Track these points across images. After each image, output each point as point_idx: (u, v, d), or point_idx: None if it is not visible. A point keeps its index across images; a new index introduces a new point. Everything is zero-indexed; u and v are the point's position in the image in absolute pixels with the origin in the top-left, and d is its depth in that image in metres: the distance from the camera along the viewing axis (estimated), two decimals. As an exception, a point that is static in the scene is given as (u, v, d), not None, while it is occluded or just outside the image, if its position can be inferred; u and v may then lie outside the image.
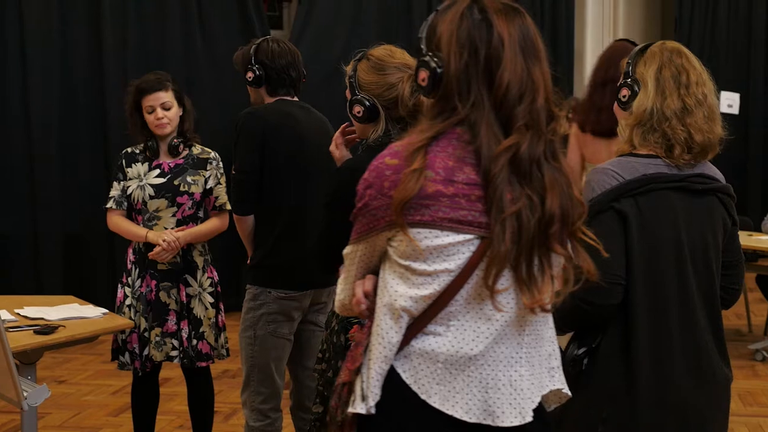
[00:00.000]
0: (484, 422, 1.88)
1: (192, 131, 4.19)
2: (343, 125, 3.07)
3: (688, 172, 2.47)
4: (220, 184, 4.16)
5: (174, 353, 4.07)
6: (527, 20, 1.91)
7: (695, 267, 2.45)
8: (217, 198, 4.15)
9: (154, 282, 4.08)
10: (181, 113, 4.15)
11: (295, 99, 3.84)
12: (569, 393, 2.04)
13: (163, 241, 3.97)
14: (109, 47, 7.34)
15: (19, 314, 3.81)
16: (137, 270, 4.11)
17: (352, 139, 3.07)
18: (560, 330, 2.27)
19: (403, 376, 1.90)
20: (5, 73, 7.05)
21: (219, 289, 4.19)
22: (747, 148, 9.33)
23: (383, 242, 1.91)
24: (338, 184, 2.81)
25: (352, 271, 2.01)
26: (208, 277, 4.14)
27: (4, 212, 7.04)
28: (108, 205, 4.17)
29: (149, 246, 4.04)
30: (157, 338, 4.06)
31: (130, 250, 4.16)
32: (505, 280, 1.86)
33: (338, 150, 3.07)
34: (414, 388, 1.89)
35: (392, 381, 1.90)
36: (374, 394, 1.90)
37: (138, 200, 4.11)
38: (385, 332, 1.89)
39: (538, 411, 1.95)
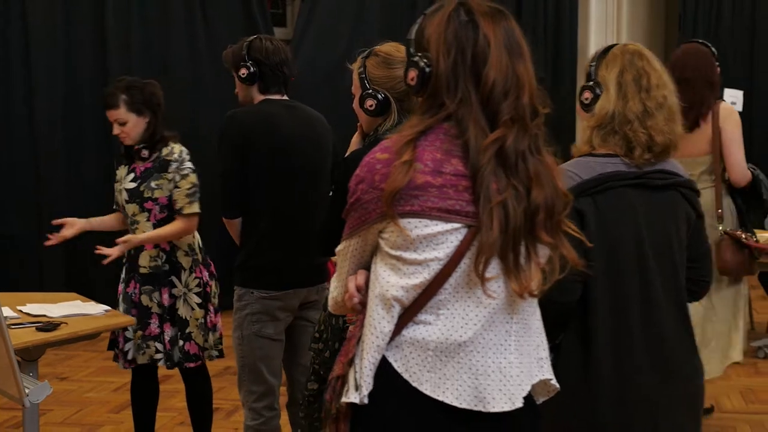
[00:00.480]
0: (475, 408, 1.93)
1: (162, 134, 4.12)
2: None
3: (647, 169, 2.51)
4: (178, 187, 4.06)
5: (158, 356, 4.07)
6: (512, 22, 1.99)
7: (658, 262, 2.48)
8: (176, 202, 4.07)
9: (138, 285, 4.09)
10: (147, 119, 4.09)
11: (285, 98, 3.83)
12: (557, 386, 2.08)
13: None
14: (113, 48, 7.34)
15: (21, 311, 3.82)
16: (125, 272, 4.15)
17: None
18: None
19: (395, 365, 1.94)
20: (10, 73, 7.04)
21: (209, 289, 4.15)
22: (751, 145, 9.29)
23: (375, 235, 1.98)
24: (344, 172, 2.83)
25: (344, 267, 2.07)
26: (195, 278, 4.11)
27: (7, 210, 7.04)
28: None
29: (138, 248, 4.07)
30: (139, 341, 4.07)
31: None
32: (493, 268, 1.92)
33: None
34: (405, 376, 1.93)
35: (384, 371, 1.95)
36: (367, 383, 1.95)
37: (120, 204, 4.15)
38: (377, 322, 1.95)
39: (528, 400, 2.00)
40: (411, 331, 1.94)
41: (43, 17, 7.09)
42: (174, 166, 4.06)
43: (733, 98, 8.15)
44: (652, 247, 2.48)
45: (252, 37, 3.85)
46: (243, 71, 3.75)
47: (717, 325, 4.57)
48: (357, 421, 2.00)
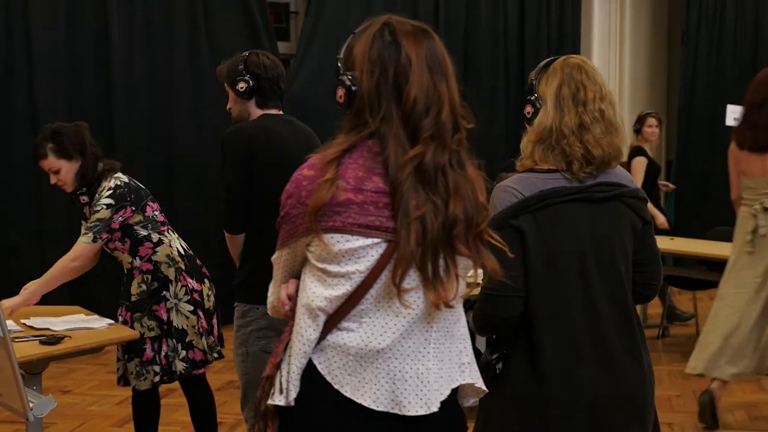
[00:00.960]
0: (392, 411, 2.03)
1: (96, 173, 4.08)
2: None
3: (589, 183, 2.55)
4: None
5: (157, 378, 4.07)
6: (435, 41, 2.09)
7: (602, 274, 2.53)
8: (111, 240, 4.08)
9: (129, 313, 4.10)
10: (79, 162, 4.06)
11: (281, 113, 3.84)
12: (484, 388, 2.19)
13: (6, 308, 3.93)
14: (116, 64, 7.36)
15: (25, 324, 3.82)
16: (120, 298, 4.18)
17: None
18: (479, 333, 2.59)
19: (319, 367, 2.05)
20: (12, 79, 7.06)
21: (197, 295, 4.13)
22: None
23: (303, 247, 2.09)
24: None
25: (278, 275, 2.19)
26: (182, 286, 4.11)
27: (10, 222, 7.05)
28: None
29: (129, 277, 4.13)
30: (138, 368, 4.07)
31: None
32: (413, 280, 2.02)
33: None
34: (328, 378, 2.04)
35: (309, 372, 2.06)
36: (295, 387, 2.05)
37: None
38: (304, 330, 2.05)
39: (448, 404, 2.10)
40: (334, 337, 2.05)
41: (46, 26, 7.12)
42: (93, 203, 4.05)
43: (735, 114, 8.18)
44: (595, 259, 2.53)
45: (247, 52, 3.85)
46: (241, 85, 3.75)
47: None
48: (284, 419, 2.11)
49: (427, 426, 2.07)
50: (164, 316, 4.06)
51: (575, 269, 2.52)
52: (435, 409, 2.06)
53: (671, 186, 8.10)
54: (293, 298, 2.14)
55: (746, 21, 9.66)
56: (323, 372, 2.05)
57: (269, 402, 2.11)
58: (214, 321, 4.22)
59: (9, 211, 7.04)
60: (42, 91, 7.11)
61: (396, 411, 2.03)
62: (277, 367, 2.14)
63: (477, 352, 2.57)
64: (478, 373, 2.19)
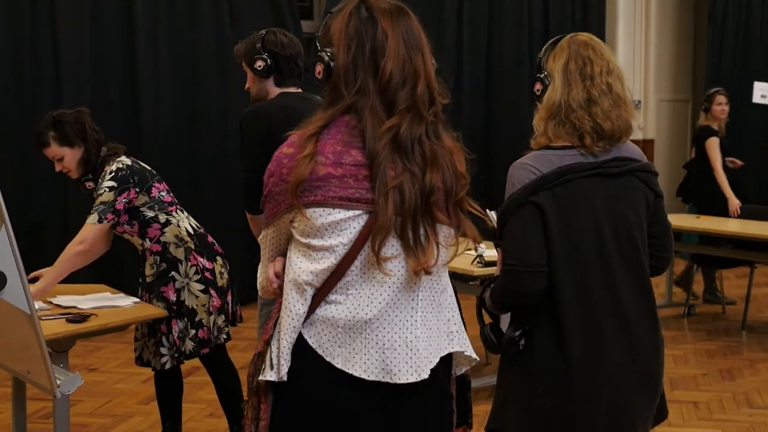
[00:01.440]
0: (383, 380, 2.09)
1: (100, 159, 4.09)
2: None
3: (603, 158, 2.60)
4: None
5: (164, 360, 4.07)
6: (411, 18, 2.15)
7: (619, 246, 2.59)
8: (118, 224, 4.09)
9: (147, 294, 4.12)
10: (82, 148, 4.07)
11: (299, 90, 3.82)
12: (475, 356, 2.27)
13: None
14: (140, 43, 7.36)
15: (51, 303, 3.85)
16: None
17: None
18: (497, 311, 2.68)
19: (309, 341, 2.11)
20: (39, 71, 7.08)
21: (208, 274, 4.13)
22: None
23: (287, 224, 2.15)
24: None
25: (265, 254, 2.26)
26: (192, 266, 4.11)
27: (36, 201, 7.09)
28: None
29: (142, 259, 4.15)
30: (154, 348, 4.10)
31: None
32: (394, 248, 2.09)
33: None
34: (319, 351, 2.11)
35: (300, 346, 2.12)
36: (286, 361, 2.12)
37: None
38: (292, 305, 2.11)
39: (435, 371, 2.15)
40: (323, 310, 2.11)
41: (71, 18, 7.12)
42: (97, 187, 4.06)
43: (763, 91, 8.11)
44: (612, 233, 2.58)
45: (264, 31, 3.84)
46: (259, 63, 3.74)
47: None
48: (277, 393, 2.17)
49: (416, 393, 2.14)
50: (172, 297, 4.06)
51: (593, 243, 2.56)
52: (425, 376, 2.12)
53: (738, 162, 7.72)
54: (281, 276, 2.20)
55: (774, -2, 9.56)
56: (314, 345, 2.11)
57: (261, 378, 2.16)
58: (228, 298, 4.21)
59: (34, 189, 7.07)
60: (68, 71, 7.12)
61: (387, 380, 2.09)
62: (268, 343, 2.19)
63: (499, 331, 2.60)
64: (467, 342, 2.26)
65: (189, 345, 4.08)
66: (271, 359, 2.15)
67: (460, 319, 2.26)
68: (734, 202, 7.27)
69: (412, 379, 2.10)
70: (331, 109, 2.12)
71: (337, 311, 2.10)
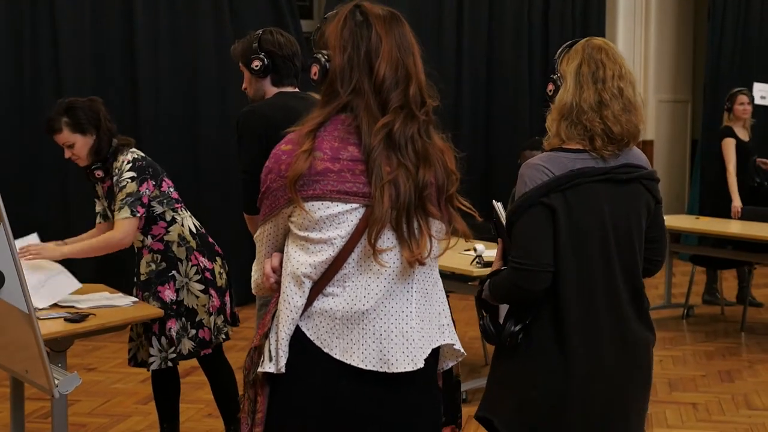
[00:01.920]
0: (380, 369, 2.17)
1: (111, 148, 4.07)
2: None
3: (613, 164, 2.68)
4: (117, 199, 4.02)
5: (152, 360, 4.06)
6: (404, 24, 2.26)
7: (619, 247, 2.68)
8: (114, 212, 4.07)
9: (141, 293, 4.11)
10: (94, 136, 4.05)
11: (296, 90, 3.81)
12: (463, 351, 2.37)
13: (34, 247, 3.96)
14: (140, 41, 7.36)
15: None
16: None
17: None
18: (496, 302, 2.74)
19: (307, 333, 2.19)
20: (39, 70, 7.07)
21: (208, 274, 4.13)
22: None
23: (285, 219, 2.22)
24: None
25: (261, 251, 2.32)
26: (192, 266, 4.10)
27: (36, 200, 7.08)
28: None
29: (138, 256, 4.13)
30: (148, 346, 4.08)
31: None
32: (389, 240, 2.18)
33: None
34: (317, 343, 2.18)
35: (298, 338, 2.19)
36: (284, 353, 2.19)
37: (112, 221, 4.14)
38: (291, 297, 2.19)
39: (428, 363, 2.24)
40: (320, 303, 2.19)
41: (71, 13, 7.11)
42: (115, 179, 4.04)
43: (762, 92, 8.09)
44: (615, 237, 2.67)
45: (261, 30, 3.83)
46: (256, 63, 3.72)
47: None
48: (274, 385, 2.24)
49: (410, 382, 2.23)
50: (168, 298, 4.05)
51: (597, 246, 2.65)
52: (420, 365, 2.21)
53: None
54: (278, 271, 2.27)
55: (773, -3, 9.54)
56: (312, 338, 2.18)
57: (260, 370, 2.23)
58: (227, 299, 4.21)
59: (35, 189, 7.06)
60: (68, 68, 7.12)
61: (384, 369, 2.18)
62: (265, 336, 2.26)
63: (499, 324, 2.72)
64: (456, 336, 2.35)
65: (188, 345, 4.06)
66: (270, 351, 2.21)
67: (450, 314, 2.36)
68: (736, 204, 7.26)
69: (408, 368, 2.19)
70: (328, 107, 2.21)
71: (335, 303, 2.18)
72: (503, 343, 2.70)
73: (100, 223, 4.28)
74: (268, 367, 2.21)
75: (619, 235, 2.67)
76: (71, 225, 6.97)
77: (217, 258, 4.20)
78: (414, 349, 2.20)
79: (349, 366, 2.17)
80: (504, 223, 2.70)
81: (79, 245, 4.09)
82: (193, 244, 4.12)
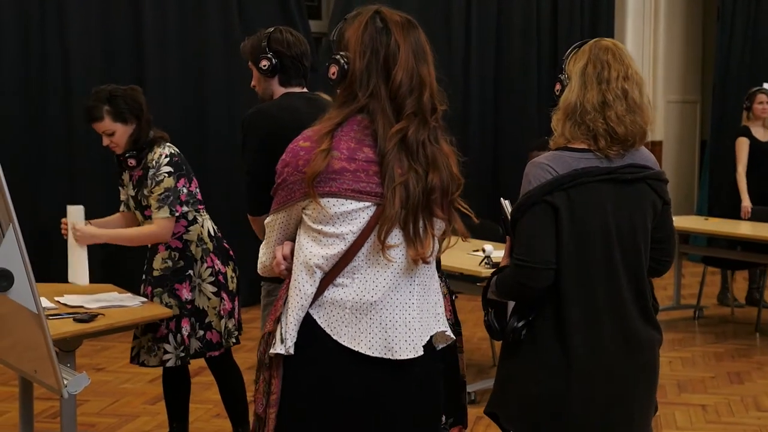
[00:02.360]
0: (385, 356, 2.31)
1: (147, 139, 4.09)
2: None
3: (618, 164, 2.69)
4: (152, 193, 4.03)
5: (167, 357, 4.05)
6: (419, 31, 2.38)
7: (622, 248, 2.69)
8: (148, 208, 4.07)
9: (151, 288, 4.10)
10: (134, 125, 4.07)
11: (305, 90, 3.80)
12: (453, 336, 2.51)
13: (73, 227, 4.03)
14: (148, 40, 7.36)
15: (59, 302, 3.85)
16: (144, 274, 4.19)
17: None
18: (502, 298, 2.78)
19: (319, 321, 2.32)
20: (46, 70, 7.06)
21: (222, 278, 4.14)
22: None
23: (299, 211, 2.34)
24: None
25: (272, 237, 2.44)
26: (207, 267, 4.11)
27: (45, 202, 7.08)
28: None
29: (153, 251, 4.13)
30: (150, 344, 4.08)
31: None
32: (396, 238, 2.32)
33: None
34: (327, 330, 2.31)
35: (310, 326, 2.32)
36: (292, 336, 2.32)
37: (131, 208, 4.18)
38: (302, 285, 2.32)
39: (427, 347, 2.39)
40: (331, 293, 2.32)
41: (80, 14, 7.11)
42: (151, 173, 4.04)
43: (773, 92, 8.05)
44: (618, 236, 2.68)
45: (271, 29, 3.81)
46: (264, 63, 3.70)
47: None
48: (287, 368, 2.36)
49: (412, 368, 2.36)
50: (185, 296, 4.06)
51: (600, 245, 2.66)
52: (421, 352, 2.36)
53: None
54: (288, 259, 2.39)
55: (784, -2, 9.50)
56: (323, 325, 2.31)
57: (272, 351, 2.35)
58: (236, 303, 4.22)
59: (44, 190, 7.07)
60: (76, 69, 7.12)
61: (389, 356, 2.32)
62: (278, 321, 2.38)
63: (503, 320, 2.77)
64: (446, 322, 2.48)
65: (195, 344, 4.07)
66: (281, 334, 2.33)
67: (443, 302, 2.51)
68: (746, 204, 7.23)
69: (410, 355, 2.34)
70: (346, 108, 2.32)
71: (345, 294, 2.31)
72: (506, 338, 2.75)
73: (123, 211, 4.29)
74: (279, 348, 2.33)
75: (623, 235, 2.68)
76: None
77: (230, 262, 4.21)
78: (415, 337, 2.35)
79: (357, 353, 2.31)
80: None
81: (117, 232, 4.14)
82: (210, 246, 4.13)
